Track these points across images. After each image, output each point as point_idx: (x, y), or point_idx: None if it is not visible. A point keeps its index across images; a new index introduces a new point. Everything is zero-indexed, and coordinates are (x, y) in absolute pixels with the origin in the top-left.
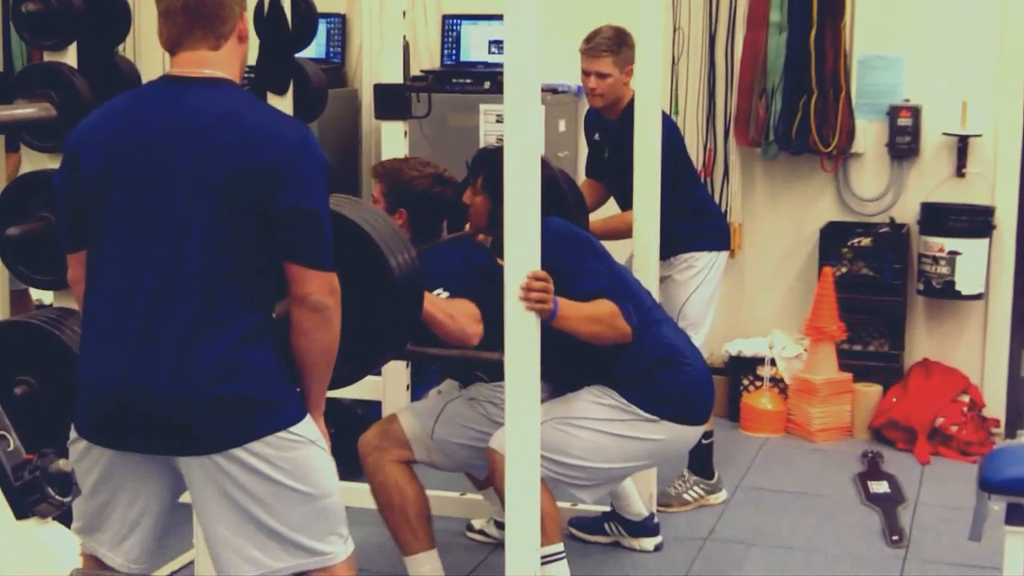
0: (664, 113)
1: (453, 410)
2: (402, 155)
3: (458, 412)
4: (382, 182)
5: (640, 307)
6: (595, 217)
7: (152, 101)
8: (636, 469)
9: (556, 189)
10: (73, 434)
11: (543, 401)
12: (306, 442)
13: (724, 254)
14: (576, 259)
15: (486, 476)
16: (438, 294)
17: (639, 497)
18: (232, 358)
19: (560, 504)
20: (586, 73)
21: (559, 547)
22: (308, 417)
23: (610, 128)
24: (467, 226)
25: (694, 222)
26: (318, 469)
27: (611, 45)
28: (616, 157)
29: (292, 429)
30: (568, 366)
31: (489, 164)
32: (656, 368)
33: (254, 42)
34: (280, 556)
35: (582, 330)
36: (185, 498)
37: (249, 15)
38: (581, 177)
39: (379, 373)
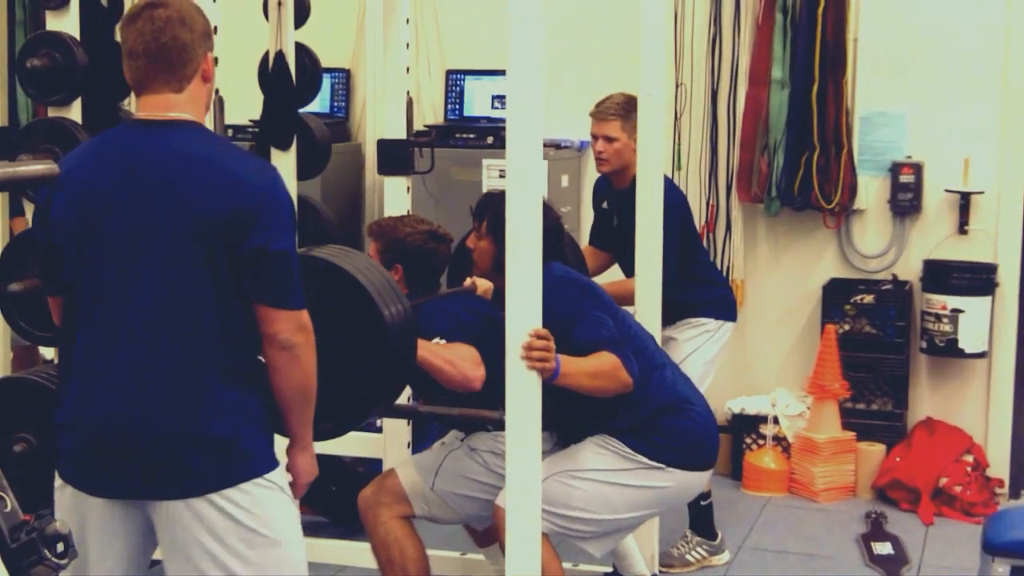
0: (673, 183)
1: (453, 462)
2: (405, 210)
3: (458, 463)
4: (377, 240)
5: (643, 352)
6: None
7: (121, 148)
8: (643, 518)
9: (558, 235)
10: (58, 481)
11: (547, 452)
12: (278, 490)
13: (730, 325)
14: (577, 306)
15: (485, 529)
16: (436, 342)
17: (642, 557)
18: (213, 399)
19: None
20: (594, 137)
21: None
22: (281, 465)
23: (619, 197)
24: (471, 274)
25: (702, 291)
26: (286, 518)
27: (619, 110)
28: (624, 225)
29: (268, 476)
30: (571, 415)
31: (493, 208)
32: (660, 414)
33: (259, 96)
34: None
35: (584, 385)
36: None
37: (253, 69)
38: (584, 238)
39: (380, 430)
